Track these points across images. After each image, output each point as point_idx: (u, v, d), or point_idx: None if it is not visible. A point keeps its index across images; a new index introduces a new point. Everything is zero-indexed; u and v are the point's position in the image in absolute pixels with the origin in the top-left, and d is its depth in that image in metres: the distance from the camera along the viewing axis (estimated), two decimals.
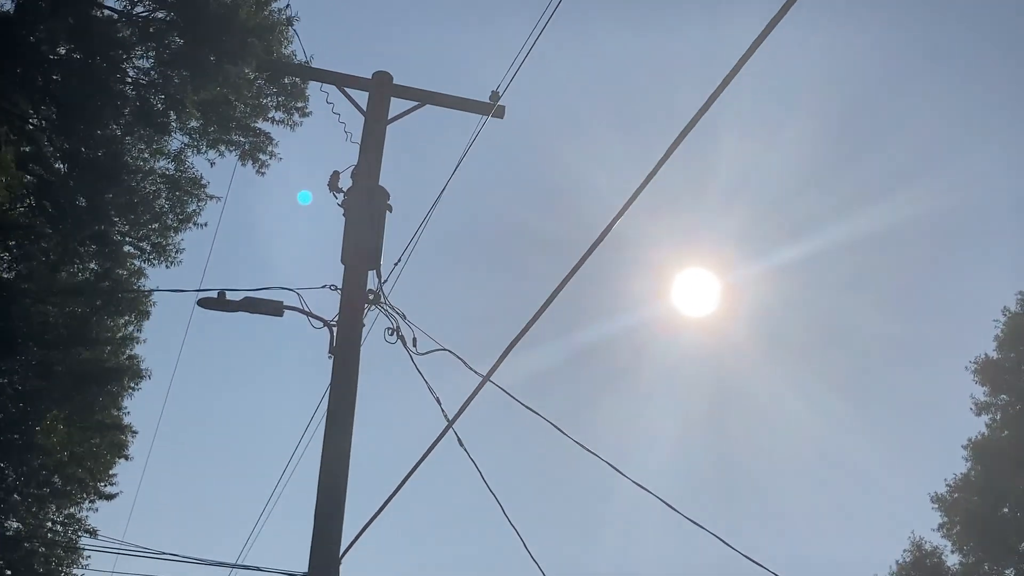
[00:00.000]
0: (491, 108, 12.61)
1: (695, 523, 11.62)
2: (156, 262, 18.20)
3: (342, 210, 11.87)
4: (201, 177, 17.66)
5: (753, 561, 11.89)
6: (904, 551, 31.40)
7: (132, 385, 22.27)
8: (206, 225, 17.78)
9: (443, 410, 11.80)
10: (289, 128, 18.77)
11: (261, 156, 18.79)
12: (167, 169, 17.45)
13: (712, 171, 44.78)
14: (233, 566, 10.61)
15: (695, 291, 41.15)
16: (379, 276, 11.70)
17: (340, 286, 11.64)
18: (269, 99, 18.67)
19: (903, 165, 47.26)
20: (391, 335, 11.62)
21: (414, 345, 11.52)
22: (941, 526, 31.23)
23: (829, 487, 48.41)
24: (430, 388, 11.74)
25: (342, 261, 11.68)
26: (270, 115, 18.69)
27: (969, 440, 30.37)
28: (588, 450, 11.61)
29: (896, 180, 46.44)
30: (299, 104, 18.62)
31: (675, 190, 48.08)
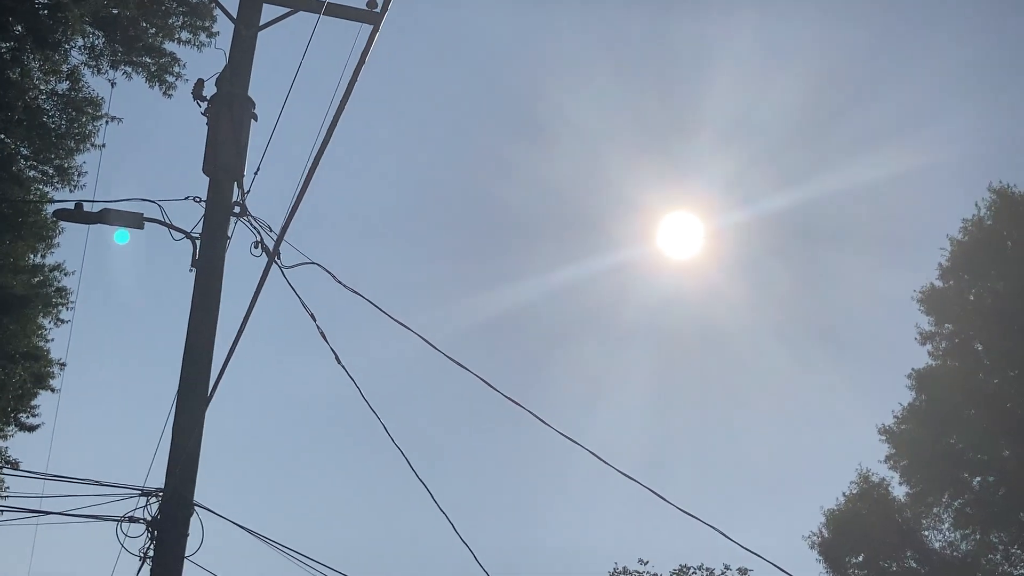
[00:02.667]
0: (369, 15, 12.14)
1: (656, 494, 11.28)
2: (60, 185, 17.81)
3: (205, 119, 11.44)
4: (98, 96, 17.22)
5: (716, 529, 11.57)
6: (851, 483, 31.36)
7: (54, 315, 21.90)
8: (104, 146, 17.37)
9: (318, 326, 11.54)
10: (196, 48, 18.35)
11: (168, 78, 18.37)
12: (63, 89, 17.01)
13: (704, 118, 44.46)
14: (83, 482, 10.28)
15: (681, 234, 40.96)
16: (241, 188, 11.30)
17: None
18: (176, 19, 18.22)
19: (890, 120, 47.09)
20: (256, 248, 11.26)
21: (278, 258, 11.15)
22: (888, 457, 31.14)
23: (806, 426, 48.61)
24: (302, 302, 11.44)
25: (204, 172, 11.27)
26: (176, 36, 18.26)
27: (913, 370, 30.22)
28: (532, 413, 11.28)
29: (883, 134, 46.21)
30: (205, 24, 18.17)
31: (666, 134, 47.87)
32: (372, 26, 12.32)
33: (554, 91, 46.55)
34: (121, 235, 11.23)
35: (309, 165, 6.56)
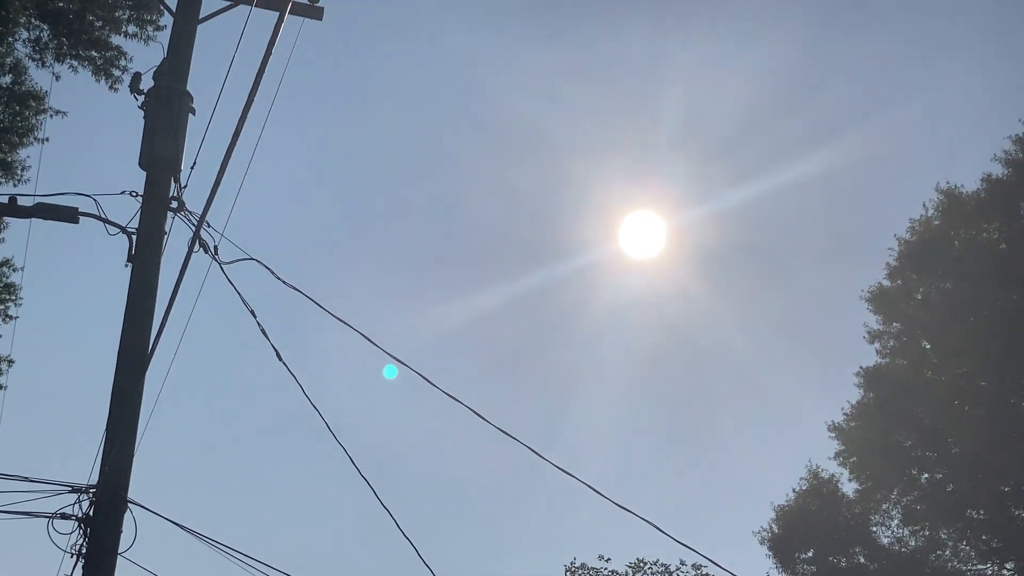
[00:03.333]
0: (308, 9, 12.10)
1: (599, 492, 11.33)
2: (3, 180, 17.66)
3: (143, 113, 11.38)
4: (42, 90, 17.09)
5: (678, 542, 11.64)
6: (801, 479, 31.55)
7: (1, 311, 21.72)
8: (48, 140, 17.24)
9: (258, 322, 11.51)
10: (143, 42, 18.25)
11: (115, 72, 18.26)
12: (6, 83, 16.86)
13: (660, 116, 44.90)
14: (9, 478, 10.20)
15: (643, 234, 41.30)
16: (178, 182, 11.23)
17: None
18: (122, 12, 18.12)
19: (842, 111, 47.72)
20: (194, 244, 11.19)
21: (216, 253, 11.12)
22: (838, 454, 31.36)
23: (767, 423, 49.07)
24: (241, 297, 11.39)
25: (140, 166, 11.22)
26: (123, 29, 18.16)
27: (862, 368, 30.45)
28: (473, 410, 11.29)
29: (835, 126, 46.88)
30: (152, 17, 18.08)
31: (624, 135, 48.22)
32: (314, 20, 12.38)
33: (514, 97, 46.83)
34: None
35: (224, 154, 6.54)
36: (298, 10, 12.10)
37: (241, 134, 7.71)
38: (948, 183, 30.21)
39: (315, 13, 12.21)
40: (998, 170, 29.75)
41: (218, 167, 10.12)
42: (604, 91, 49.36)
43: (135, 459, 10.64)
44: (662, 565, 36.27)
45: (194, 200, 11.39)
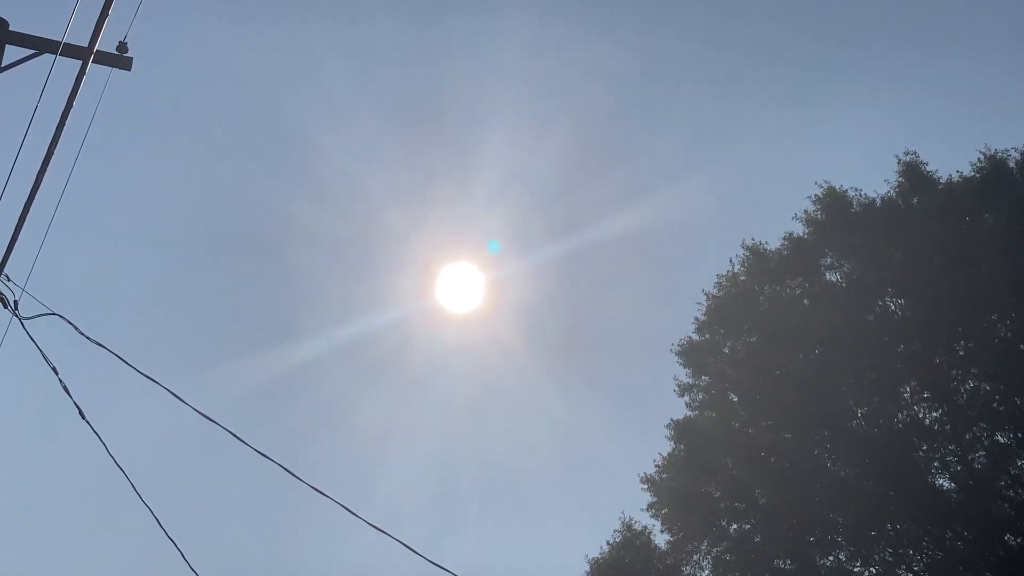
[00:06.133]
0: (116, 59, 11.88)
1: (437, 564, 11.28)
2: None
3: None
4: None
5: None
6: (615, 531, 31.85)
7: None
8: None
9: (60, 379, 11.17)
10: None
11: None
12: None
13: (478, 172, 45.51)
14: None
15: (460, 287, 41.54)
16: None
17: None
18: None
19: (655, 170, 49.27)
20: None
21: (16, 308, 10.75)
22: (650, 506, 31.77)
23: (582, 475, 49.64)
24: (44, 355, 11.04)
25: None
26: None
27: (672, 420, 31.01)
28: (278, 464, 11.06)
29: (648, 184, 48.31)
30: None
31: (442, 189, 48.66)
32: (123, 70, 12.15)
33: (332, 149, 46.85)
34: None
35: (24, 204, 6.35)
36: (105, 60, 11.87)
37: (44, 185, 7.50)
38: (753, 239, 31.26)
39: (124, 63, 11.99)
40: (799, 228, 30.94)
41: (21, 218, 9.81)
42: (422, 145, 49.88)
43: None
44: None
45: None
